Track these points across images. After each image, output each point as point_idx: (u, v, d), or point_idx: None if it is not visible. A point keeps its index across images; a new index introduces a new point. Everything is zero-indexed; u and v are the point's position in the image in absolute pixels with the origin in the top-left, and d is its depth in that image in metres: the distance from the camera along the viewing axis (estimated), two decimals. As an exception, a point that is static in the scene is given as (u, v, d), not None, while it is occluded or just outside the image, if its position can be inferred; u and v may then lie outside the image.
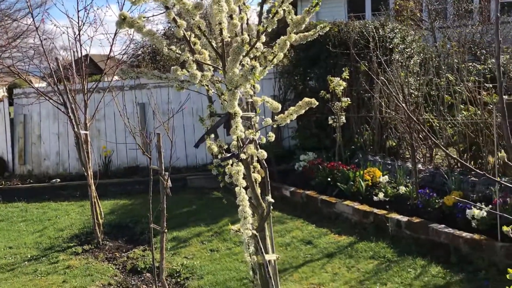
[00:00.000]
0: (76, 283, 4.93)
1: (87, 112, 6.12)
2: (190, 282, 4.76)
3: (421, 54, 9.05)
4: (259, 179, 2.84)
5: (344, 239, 5.49)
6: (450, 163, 6.87)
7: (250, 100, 2.80)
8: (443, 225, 5.00)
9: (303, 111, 2.61)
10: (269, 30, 2.47)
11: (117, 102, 6.67)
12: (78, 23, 6.05)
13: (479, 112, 6.83)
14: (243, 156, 2.61)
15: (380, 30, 8.35)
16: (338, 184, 6.67)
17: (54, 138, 10.50)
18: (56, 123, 10.41)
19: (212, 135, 2.74)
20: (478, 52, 11.27)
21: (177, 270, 5.07)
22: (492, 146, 6.35)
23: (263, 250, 2.71)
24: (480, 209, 4.99)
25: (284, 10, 2.43)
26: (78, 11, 6.09)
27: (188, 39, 2.56)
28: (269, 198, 2.79)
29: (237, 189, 2.55)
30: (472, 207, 5.05)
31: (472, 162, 6.67)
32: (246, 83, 2.25)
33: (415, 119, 5.59)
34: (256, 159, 2.90)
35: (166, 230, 4.48)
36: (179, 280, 4.88)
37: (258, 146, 2.80)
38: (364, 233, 5.58)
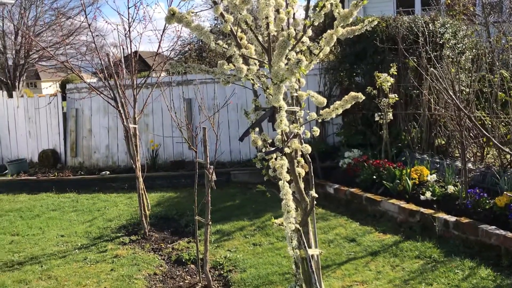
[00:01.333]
0: (123, 272, 5.08)
1: (136, 107, 6.29)
2: (233, 274, 4.82)
3: (473, 50, 8.74)
4: (303, 173, 2.83)
5: (388, 237, 5.40)
6: (502, 163, 6.62)
7: (295, 94, 2.80)
8: (493, 227, 4.82)
9: (349, 106, 2.59)
10: (316, 24, 2.46)
11: (165, 97, 6.85)
12: (128, 19, 6.22)
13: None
14: (287, 150, 2.61)
15: (430, 25, 8.12)
16: (384, 182, 6.56)
17: (104, 132, 10.84)
18: (106, 117, 10.75)
19: (257, 129, 2.76)
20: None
21: (220, 262, 5.14)
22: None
23: (306, 244, 2.71)
24: (534, 211, 4.78)
25: (331, 3, 2.41)
26: (128, 8, 6.27)
27: (235, 33, 2.58)
28: (313, 193, 2.79)
29: (280, 183, 2.56)
30: (526, 208, 4.85)
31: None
32: (292, 77, 2.25)
33: (467, 113, 5.41)
34: (300, 153, 2.89)
35: (210, 223, 4.56)
36: (222, 272, 4.95)
37: (302, 140, 2.79)
38: (410, 232, 5.46)
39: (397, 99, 7.32)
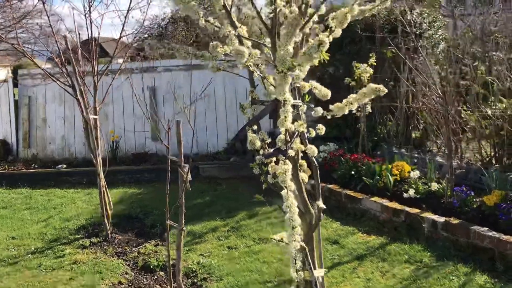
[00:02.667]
0: (84, 281, 4.54)
1: (96, 96, 5.68)
2: (208, 284, 4.36)
3: (444, 42, 8.57)
4: (306, 179, 2.40)
5: (373, 239, 5.07)
6: (483, 158, 6.43)
7: (297, 85, 2.35)
8: (485, 228, 4.55)
9: (366, 100, 2.17)
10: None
11: (127, 85, 6.27)
12: (88, -2, 5.58)
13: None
14: (291, 152, 2.17)
15: (407, 15, 7.84)
16: (364, 178, 6.23)
17: (60, 122, 10.08)
18: (62, 106, 9.99)
19: (255, 127, 2.30)
20: (501, 41, 10.77)
21: (193, 269, 4.67)
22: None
23: (312, 265, 2.28)
24: (527, 211, 4.55)
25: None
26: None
27: (229, 9, 2.10)
28: (320, 204, 2.36)
29: (283, 192, 2.12)
30: (518, 208, 4.61)
31: (506, 158, 6.22)
32: (308, 64, 1.80)
33: (457, 109, 5.12)
34: (301, 155, 2.46)
35: (184, 229, 4.07)
36: (196, 281, 4.48)
37: (306, 140, 2.35)
38: (395, 233, 5.15)
39: (376, 91, 7.00)
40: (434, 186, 5.65)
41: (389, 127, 7.68)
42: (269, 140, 2.29)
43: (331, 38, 2.23)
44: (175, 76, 9.42)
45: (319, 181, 2.57)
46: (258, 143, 2.24)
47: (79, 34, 6.10)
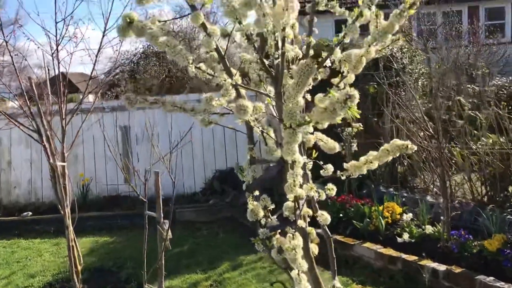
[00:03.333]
0: None
1: (64, 140, 5.21)
2: None
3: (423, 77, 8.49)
4: (316, 251, 2.02)
5: (370, 291, 4.68)
6: (474, 197, 6.18)
7: (303, 139, 1.99)
8: (492, 278, 4.23)
9: (390, 158, 1.82)
10: (347, 40, 1.68)
11: (98, 125, 5.82)
12: (56, 36, 5.18)
13: (501, 140, 6.19)
14: (301, 223, 1.80)
15: (388, 49, 7.70)
16: (354, 221, 5.88)
17: (26, 165, 9.48)
18: (28, 149, 9.40)
19: (256, 192, 1.91)
20: (474, 73, 10.81)
21: (174, 334, 4.17)
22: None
23: None
24: (533, 257, 4.26)
25: (375, 12, 1.65)
26: (56, 24, 5.22)
27: (223, 54, 1.75)
28: (337, 283, 1.98)
29: (293, 273, 1.73)
30: (524, 255, 4.31)
31: (499, 197, 5.97)
32: (328, 122, 1.45)
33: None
34: (308, 220, 2.08)
35: (165, 293, 3.60)
36: None
37: (316, 205, 1.98)
38: (392, 283, 4.78)
39: (361, 128, 6.75)
40: (429, 229, 5.34)
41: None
42: (272, 207, 1.91)
43: (342, 85, 1.91)
44: (150, 115, 9.00)
45: (334, 255, 2.19)
46: (261, 213, 1.86)
47: (48, 70, 5.66)
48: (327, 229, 2.11)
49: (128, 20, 1.69)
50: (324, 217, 1.92)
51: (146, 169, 3.58)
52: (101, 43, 5.42)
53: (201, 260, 5.88)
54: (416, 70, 8.09)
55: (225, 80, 1.67)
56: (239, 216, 7.29)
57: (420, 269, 4.69)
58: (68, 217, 5.13)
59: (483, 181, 6.15)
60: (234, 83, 1.67)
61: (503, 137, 6.14)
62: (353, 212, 6.09)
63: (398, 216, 5.81)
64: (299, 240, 1.73)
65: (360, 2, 1.65)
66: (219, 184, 8.49)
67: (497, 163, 5.90)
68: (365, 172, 1.88)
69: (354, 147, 6.74)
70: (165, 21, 1.75)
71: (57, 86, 5.36)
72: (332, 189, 2.00)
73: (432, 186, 6.74)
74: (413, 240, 5.28)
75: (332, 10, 2.05)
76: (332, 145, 2.06)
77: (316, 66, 1.56)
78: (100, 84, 6.61)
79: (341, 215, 6.17)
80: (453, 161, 6.48)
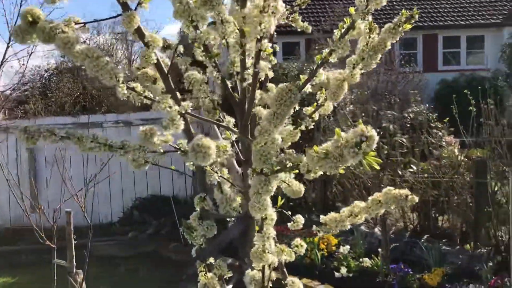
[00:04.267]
0: None
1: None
2: None
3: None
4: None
5: (310, 335, 4.29)
6: (407, 226, 6.08)
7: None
8: (437, 316, 4.02)
9: (382, 211, 1.43)
10: (334, 59, 1.29)
11: (2, 146, 5.05)
12: None
13: (428, 167, 6.19)
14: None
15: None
16: (288, 255, 5.50)
17: None
18: None
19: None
20: (393, 100, 11.12)
21: None
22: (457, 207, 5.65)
23: None
24: (477, 293, 4.11)
25: (368, 25, 1.26)
26: None
27: (166, 72, 1.29)
28: None
29: None
30: (467, 290, 4.16)
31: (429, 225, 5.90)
32: (330, 170, 1.03)
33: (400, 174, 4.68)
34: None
35: None
36: None
37: (285, 270, 1.54)
38: (333, 324, 4.43)
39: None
40: (367, 262, 5.10)
41: (307, 193, 7.14)
42: (229, 275, 1.44)
43: (316, 116, 1.51)
44: (62, 133, 8.15)
45: None
46: (218, 287, 1.38)
47: None
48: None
49: (30, 19, 1.18)
50: (296, 285, 1.48)
51: (54, 209, 2.95)
52: (4, 55, 4.69)
53: (120, 303, 5.21)
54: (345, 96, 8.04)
55: (170, 108, 1.20)
56: (163, 250, 6.67)
57: (362, 308, 4.39)
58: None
59: (415, 209, 6.06)
60: (184, 111, 1.20)
61: (431, 165, 6.14)
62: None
63: (334, 248, 5.54)
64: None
65: (352, 11, 1.26)
66: (139, 213, 7.81)
67: (429, 191, 5.84)
68: (348, 227, 1.47)
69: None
70: (84, 23, 1.26)
71: None
72: (301, 245, 1.57)
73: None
74: (351, 275, 5.01)
75: (294, 24, 1.66)
76: (297, 188, 1.65)
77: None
78: (6, 100, 5.81)
79: (274, 247, 5.78)
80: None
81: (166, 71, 1.31)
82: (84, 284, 2.89)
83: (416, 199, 1.35)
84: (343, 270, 5.03)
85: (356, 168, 6.29)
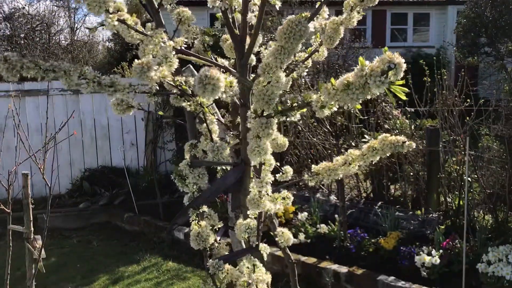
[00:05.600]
0: None
1: None
2: None
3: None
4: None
5: (270, 299, 4.32)
6: (361, 194, 6.22)
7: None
8: (393, 277, 4.15)
9: (377, 158, 1.40)
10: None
11: None
12: None
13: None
14: (264, 248, 1.31)
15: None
16: (246, 223, 5.51)
17: None
18: None
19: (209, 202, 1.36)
20: (343, 74, 11.29)
21: None
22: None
23: None
24: (430, 254, 4.28)
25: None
26: None
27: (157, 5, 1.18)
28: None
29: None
30: (421, 252, 4.32)
31: (382, 192, 6.07)
32: (349, 104, 0.97)
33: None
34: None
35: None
36: None
37: (275, 221, 1.50)
38: (292, 288, 4.48)
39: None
40: (324, 228, 5.18)
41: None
42: (220, 225, 1.38)
43: (310, 63, 1.46)
44: (2, 104, 7.67)
45: (297, 284, 1.74)
46: (212, 238, 1.32)
47: None
48: (288, 251, 1.64)
49: None
50: (286, 236, 1.45)
51: (9, 171, 2.76)
52: None
53: (73, 274, 5.03)
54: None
55: (163, 43, 1.10)
56: (117, 220, 6.50)
57: (321, 272, 4.47)
58: None
59: (368, 177, 6.21)
60: (179, 48, 1.11)
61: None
62: (244, 213, 5.73)
63: (291, 215, 5.58)
64: (263, 275, 1.24)
65: None
66: (90, 185, 7.54)
67: (382, 159, 5.99)
68: (341, 176, 1.44)
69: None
70: None
71: None
72: (288, 197, 1.53)
73: (322, 184, 6.67)
74: (308, 241, 5.08)
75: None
76: (282, 142, 1.61)
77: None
78: None
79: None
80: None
81: (157, 5, 1.20)
82: (43, 251, 2.74)
83: (414, 145, 1.34)
84: (301, 236, 5.09)
85: (314, 136, 6.36)
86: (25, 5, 17.78)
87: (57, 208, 7.05)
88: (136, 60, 1.15)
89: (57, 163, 8.10)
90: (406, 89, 0.90)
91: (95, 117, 8.14)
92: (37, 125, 7.84)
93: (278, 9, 1.27)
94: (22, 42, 15.67)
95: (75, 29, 20.82)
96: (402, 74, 0.88)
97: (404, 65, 0.87)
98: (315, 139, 6.18)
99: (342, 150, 6.21)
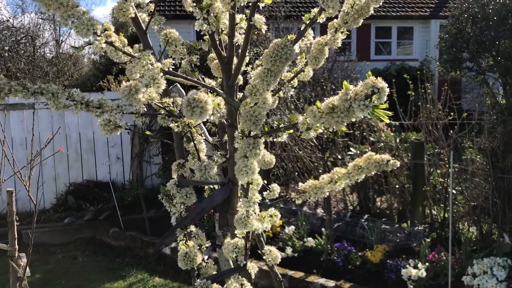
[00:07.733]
0: None
1: None
2: None
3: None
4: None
5: (258, 314, 4.31)
6: (347, 207, 6.25)
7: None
8: (380, 291, 4.17)
9: (362, 177, 1.42)
10: (323, 19, 1.26)
11: None
12: None
13: (366, 150, 6.39)
14: (252, 269, 1.31)
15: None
16: (233, 237, 5.49)
17: None
18: None
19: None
20: (329, 87, 11.38)
21: None
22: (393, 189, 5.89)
23: None
24: (416, 267, 4.31)
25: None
26: None
27: (145, 27, 1.19)
28: None
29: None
30: (407, 265, 4.34)
31: (368, 205, 6.11)
32: (335, 126, 0.99)
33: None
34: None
35: None
36: None
37: (262, 239, 1.51)
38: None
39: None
40: (311, 242, 5.19)
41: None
42: (207, 245, 1.38)
43: (295, 82, 1.48)
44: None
45: None
46: (199, 258, 1.32)
47: None
48: (276, 270, 1.64)
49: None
50: (273, 255, 1.45)
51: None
52: None
53: (58, 291, 4.97)
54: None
55: (151, 64, 1.12)
56: (103, 235, 6.43)
57: (308, 286, 4.47)
58: None
59: (354, 189, 6.24)
60: (167, 70, 1.13)
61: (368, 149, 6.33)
62: (231, 227, 5.71)
63: (279, 229, 5.58)
64: (251, 292, 1.25)
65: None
66: (75, 199, 7.46)
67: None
68: (327, 194, 1.46)
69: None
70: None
71: None
72: (275, 215, 1.54)
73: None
74: (296, 255, 5.08)
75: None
76: (269, 158, 1.63)
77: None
78: None
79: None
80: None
81: (145, 28, 1.22)
82: (28, 269, 2.71)
83: (398, 163, 1.36)
84: (288, 250, 5.09)
85: (300, 149, 6.39)
86: (10, 18, 17.68)
87: (42, 223, 6.96)
88: (121, 75, 1.15)
89: (42, 178, 8.08)
90: (390, 113, 0.92)
91: (81, 131, 8.08)
92: (21, 139, 7.76)
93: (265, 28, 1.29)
94: (7, 54, 15.57)
95: (60, 41, 20.73)
96: (385, 98, 0.91)
97: (387, 90, 0.90)
98: (301, 152, 6.22)
99: (328, 163, 6.27)
